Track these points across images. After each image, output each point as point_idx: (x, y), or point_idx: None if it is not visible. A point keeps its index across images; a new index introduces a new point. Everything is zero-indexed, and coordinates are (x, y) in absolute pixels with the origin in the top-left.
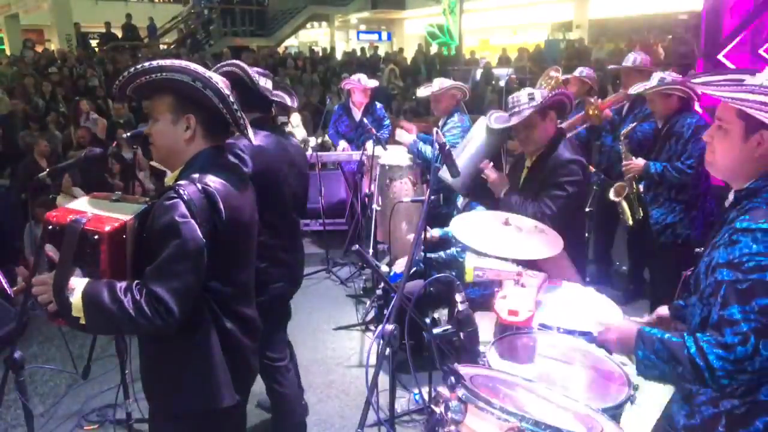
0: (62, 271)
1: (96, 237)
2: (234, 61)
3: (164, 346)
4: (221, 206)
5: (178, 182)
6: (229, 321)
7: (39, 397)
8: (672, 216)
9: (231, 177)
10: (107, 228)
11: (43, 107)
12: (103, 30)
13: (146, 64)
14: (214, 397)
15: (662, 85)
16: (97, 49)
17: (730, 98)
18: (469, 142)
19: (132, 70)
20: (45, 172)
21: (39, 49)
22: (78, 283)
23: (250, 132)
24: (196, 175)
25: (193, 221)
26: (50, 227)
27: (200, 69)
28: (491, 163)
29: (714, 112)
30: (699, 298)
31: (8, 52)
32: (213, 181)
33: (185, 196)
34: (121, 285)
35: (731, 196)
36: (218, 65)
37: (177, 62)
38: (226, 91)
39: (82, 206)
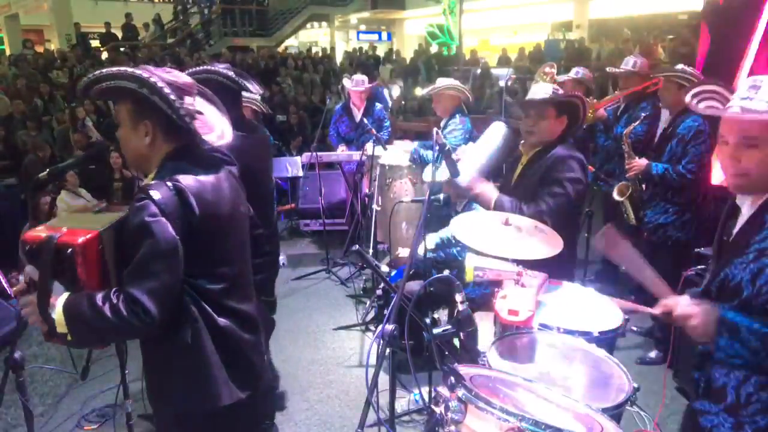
0: (42, 288)
1: (70, 250)
2: (205, 67)
3: (159, 348)
4: (193, 202)
5: (148, 183)
6: (224, 318)
7: (39, 397)
8: (665, 217)
9: (206, 171)
10: (80, 240)
11: (42, 107)
12: (103, 30)
13: (97, 72)
14: (211, 396)
15: (679, 73)
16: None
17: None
18: (479, 147)
19: (85, 79)
20: (45, 172)
21: (39, 49)
22: (59, 299)
23: (207, 137)
24: (168, 175)
25: (164, 219)
26: (27, 248)
27: (151, 76)
28: (478, 179)
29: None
30: (741, 307)
31: (8, 52)
32: (184, 178)
33: (154, 196)
34: (99, 294)
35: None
36: (191, 72)
37: (129, 69)
38: (172, 97)
39: (60, 222)
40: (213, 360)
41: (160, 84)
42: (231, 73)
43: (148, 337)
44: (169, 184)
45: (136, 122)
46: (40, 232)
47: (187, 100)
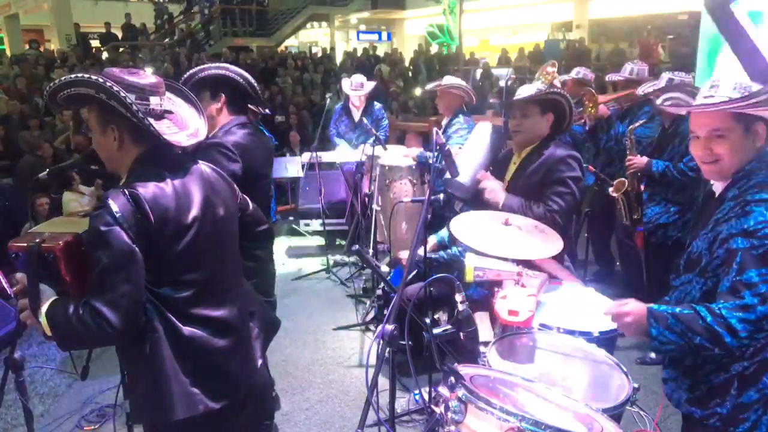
0: (31, 292)
1: (51, 255)
2: (224, 64)
3: (124, 358)
4: (147, 209)
5: (107, 192)
6: (190, 326)
7: (39, 397)
8: (666, 216)
9: (173, 176)
10: (61, 244)
11: (43, 107)
12: (103, 30)
13: (57, 80)
14: (164, 409)
15: (672, 87)
16: (94, 50)
17: (734, 107)
18: (472, 147)
19: (47, 88)
20: (45, 172)
21: (39, 49)
22: (44, 305)
23: (169, 139)
24: (133, 180)
25: (117, 227)
26: (13, 255)
27: (106, 81)
28: (488, 173)
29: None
30: (699, 274)
31: (8, 53)
32: (142, 185)
33: (111, 205)
34: (72, 304)
35: (718, 184)
36: (205, 66)
37: (87, 75)
38: (129, 100)
39: (44, 228)
40: (170, 372)
41: (116, 88)
42: (248, 75)
43: (119, 345)
44: (126, 191)
45: (103, 127)
46: (24, 239)
47: (153, 100)
